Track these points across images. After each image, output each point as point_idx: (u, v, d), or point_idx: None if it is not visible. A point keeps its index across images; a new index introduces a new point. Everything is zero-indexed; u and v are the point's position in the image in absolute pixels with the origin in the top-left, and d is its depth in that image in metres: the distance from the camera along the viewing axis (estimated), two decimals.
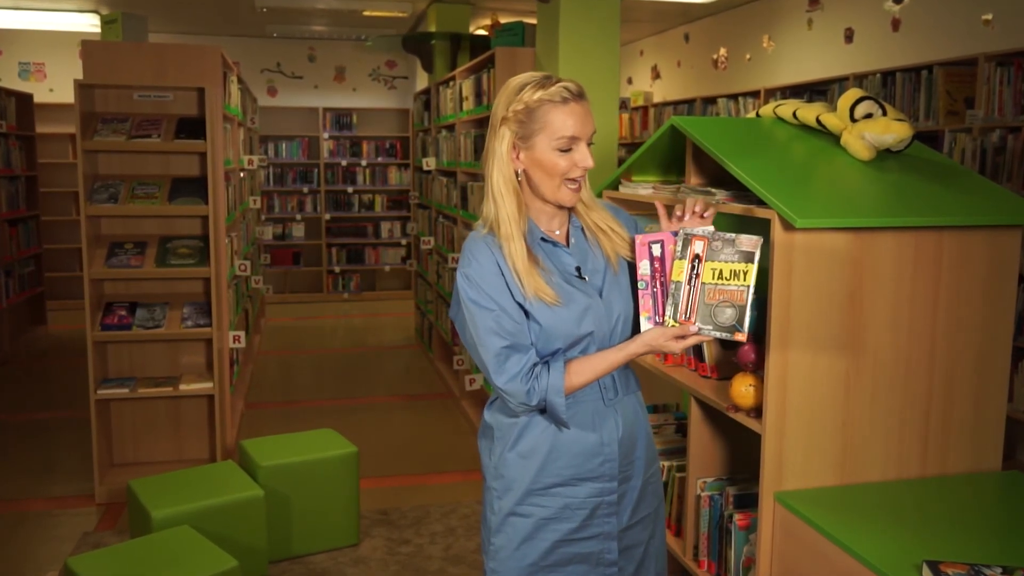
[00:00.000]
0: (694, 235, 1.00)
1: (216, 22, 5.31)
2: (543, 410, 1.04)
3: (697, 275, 0.99)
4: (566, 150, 1.01)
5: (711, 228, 1.01)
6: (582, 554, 1.07)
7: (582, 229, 1.08)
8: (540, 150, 1.01)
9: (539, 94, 1.00)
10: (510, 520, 1.06)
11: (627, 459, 1.08)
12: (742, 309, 0.97)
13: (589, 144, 1.03)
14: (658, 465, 1.15)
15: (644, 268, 1.03)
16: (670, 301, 1.00)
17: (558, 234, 1.08)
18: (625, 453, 1.08)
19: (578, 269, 1.06)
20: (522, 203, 1.04)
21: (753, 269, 0.98)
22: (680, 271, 1.00)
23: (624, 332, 1.08)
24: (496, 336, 1.01)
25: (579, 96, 1.01)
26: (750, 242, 0.98)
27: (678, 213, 1.05)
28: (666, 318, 1.00)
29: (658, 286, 1.02)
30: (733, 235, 0.99)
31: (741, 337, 0.97)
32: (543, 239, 1.06)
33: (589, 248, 1.07)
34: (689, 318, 0.98)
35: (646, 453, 1.11)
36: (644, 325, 1.03)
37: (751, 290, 0.97)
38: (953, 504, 1.16)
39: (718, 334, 0.98)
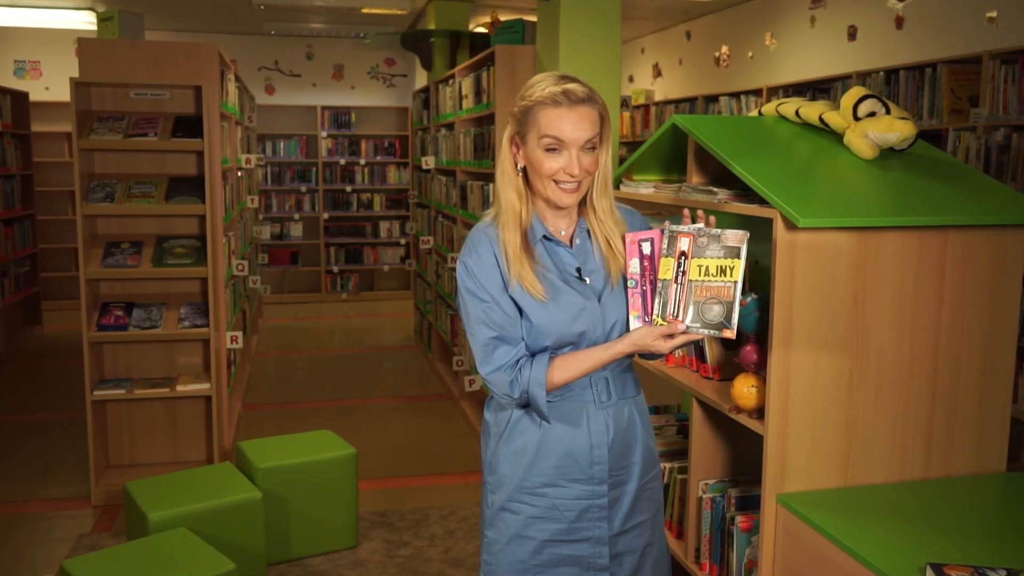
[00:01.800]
0: (680, 232, 1.00)
1: (213, 19, 5.29)
2: (527, 404, 1.04)
3: (684, 272, 0.98)
4: (552, 150, 1.01)
5: (698, 225, 1.00)
6: (572, 556, 1.07)
7: (588, 232, 1.08)
8: (531, 148, 1.03)
9: (539, 94, 1.01)
10: (501, 515, 1.07)
11: (619, 463, 1.08)
12: (729, 306, 0.96)
13: (591, 149, 1.02)
14: (658, 472, 1.14)
15: (634, 266, 1.03)
16: (658, 299, 1.00)
17: (563, 234, 1.08)
18: (616, 457, 1.07)
19: (578, 270, 1.06)
20: (523, 196, 1.05)
21: (740, 264, 0.97)
22: (667, 269, 0.99)
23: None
24: (486, 327, 1.02)
25: (579, 101, 1.00)
26: (736, 237, 0.98)
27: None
28: (654, 317, 1.00)
29: (648, 284, 1.02)
30: (719, 231, 0.99)
31: (729, 334, 0.96)
32: (545, 237, 1.06)
33: (592, 251, 1.07)
34: (677, 316, 0.98)
35: (643, 459, 1.10)
36: (633, 324, 1.03)
37: (738, 286, 0.96)
38: (957, 506, 1.16)
39: (706, 332, 0.97)
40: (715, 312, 0.96)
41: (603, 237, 1.06)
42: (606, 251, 1.06)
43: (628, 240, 1.04)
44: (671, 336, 0.99)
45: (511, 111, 1.04)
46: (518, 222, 1.03)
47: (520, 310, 1.03)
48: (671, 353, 1.05)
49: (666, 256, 1.00)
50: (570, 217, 1.08)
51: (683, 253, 0.99)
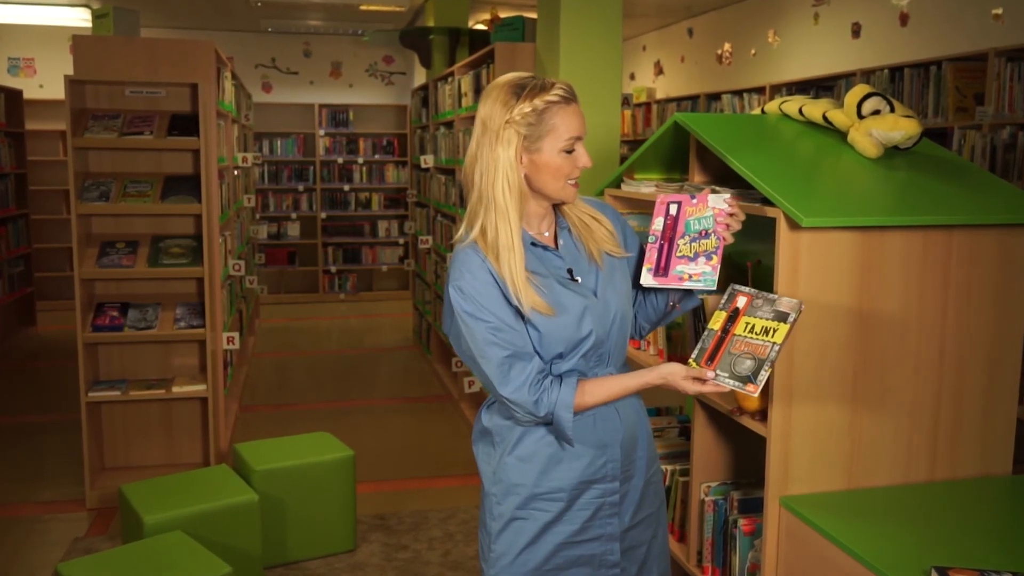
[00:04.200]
0: (740, 291, 1.03)
1: (209, 16, 5.26)
2: (548, 423, 1.03)
3: (731, 326, 1.01)
4: (570, 151, 1.01)
5: (754, 289, 1.03)
6: (584, 556, 1.06)
7: (568, 229, 1.08)
8: (547, 152, 1.00)
9: (541, 97, 0.99)
10: (512, 525, 1.05)
11: (628, 459, 1.08)
12: (761, 363, 0.98)
13: None
14: (659, 465, 1.15)
15: (658, 224, 1.06)
16: (699, 344, 1.02)
17: (547, 235, 1.07)
18: (627, 453, 1.08)
19: (569, 272, 1.06)
20: (523, 210, 1.03)
21: (785, 329, 0.99)
22: (718, 320, 1.02)
23: (621, 331, 1.07)
24: (496, 347, 1.00)
25: (575, 96, 1.03)
26: (789, 304, 1.00)
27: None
28: (690, 360, 1.02)
29: (666, 241, 1.05)
30: (775, 296, 1.02)
31: (752, 389, 0.97)
32: (533, 243, 1.05)
33: (578, 249, 1.07)
34: (711, 364, 0.99)
35: (647, 453, 1.11)
36: (644, 275, 1.05)
37: (777, 348, 0.98)
38: (962, 509, 1.14)
39: (732, 382, 0.99)
40: (746, 366, 0.97)
41: (578, 219, 1.07)
42: (584, 233, 1.07)
43: (658, 200, 1.06)
44: (701, 381, 0.99)
45: (509, 119, 0.98)
46: (520, 240, 1.00)
47: (524, 320, 1.01)
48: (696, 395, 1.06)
49: (720, 309, 1.02)
50: (549, 217, 1.07)
51: (737, 309, 1.01)
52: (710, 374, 0.98)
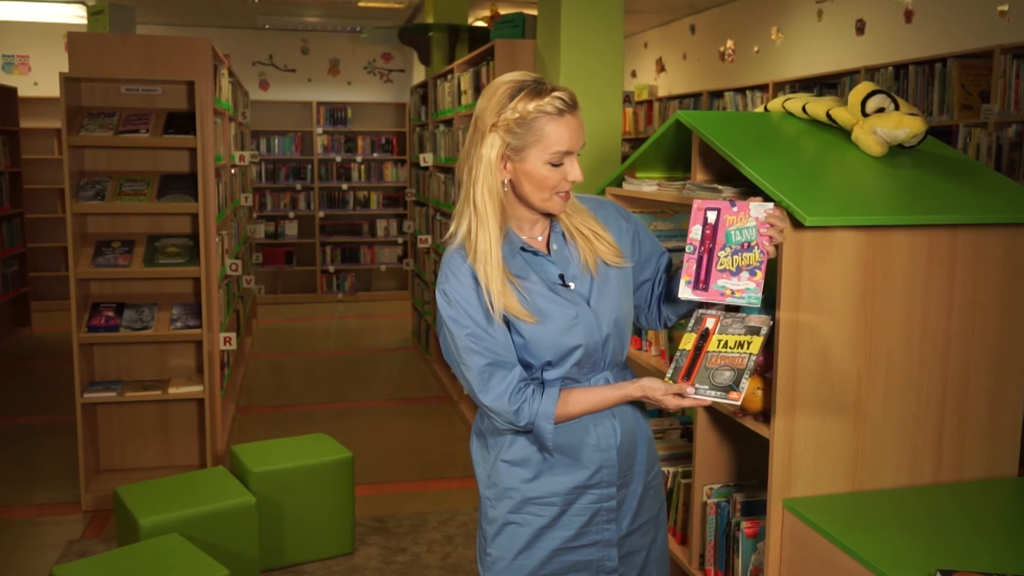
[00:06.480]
0: (707, 314, 1.02)
1: (206, 13, 5.24)
2: (528, 432, 1.02)
3: (704, 344, 1.01)
4: (558, 164, 0.98)
5: (721, 311, 1.02)
6: (582, 562, 1.06)
7: (563, 234, 1.05)
8: (531, 163, 0.97)
9: (534, 103, 0.96)
10: (507, 529, 1.04)
11: (626, 465, 1.07)
12: (740, 372, 0.97)
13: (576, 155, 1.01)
14: (659, 469, 1.14)
15: (695, 233, 1.02)
16: (673, 364, 1.01)
17: (540, 240, 1.05)
18: (624, 459, 1.06)
19: (561, 277, 1.03)
20: (505, 215, 1.00)
21: (760, 340, 0.98)
22: (689, 341, 1.01)
23: (617, 338, 1.05)
24: (476, 355, 0.98)
25: (573, 106, 0.98)
26: (759, 319, 1.00)
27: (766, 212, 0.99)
28: (666, 378, 1.01)
29: (705, 252, 1.01)
30: (744, 314, 1.01)
31: (735, 397, 0.96)
32: (523, 248, 1.02)
33: (571, 254, 1.05)
34: (689, 380, 0.99)
35: (647, 458, 1.10)
36: (682, 289, 1.02)
37: (753, 357, 0.98)
38: (968, 511, 1.13)
39: (714, 394, 0.98)
40: (726, 377, 0.97)
41: (575, 229, 1.05)
42: (581, 241, 1.04)
43: (695, 207, 1.02)
44: (681, 396, 0.99)
45: (495, 123, 0.96)
46: (499, 245, 0.98)
47: (510, 326, 0.99)
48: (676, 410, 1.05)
49: (690, 332, 1.01)
50: (543, 222, 1.05)
51: (707, 330, 1.01)
52: (689, 389, 0.97)
